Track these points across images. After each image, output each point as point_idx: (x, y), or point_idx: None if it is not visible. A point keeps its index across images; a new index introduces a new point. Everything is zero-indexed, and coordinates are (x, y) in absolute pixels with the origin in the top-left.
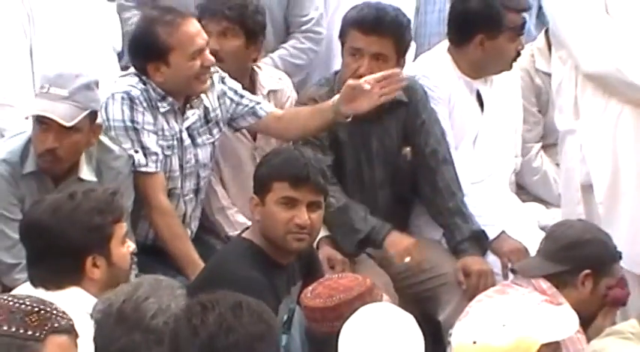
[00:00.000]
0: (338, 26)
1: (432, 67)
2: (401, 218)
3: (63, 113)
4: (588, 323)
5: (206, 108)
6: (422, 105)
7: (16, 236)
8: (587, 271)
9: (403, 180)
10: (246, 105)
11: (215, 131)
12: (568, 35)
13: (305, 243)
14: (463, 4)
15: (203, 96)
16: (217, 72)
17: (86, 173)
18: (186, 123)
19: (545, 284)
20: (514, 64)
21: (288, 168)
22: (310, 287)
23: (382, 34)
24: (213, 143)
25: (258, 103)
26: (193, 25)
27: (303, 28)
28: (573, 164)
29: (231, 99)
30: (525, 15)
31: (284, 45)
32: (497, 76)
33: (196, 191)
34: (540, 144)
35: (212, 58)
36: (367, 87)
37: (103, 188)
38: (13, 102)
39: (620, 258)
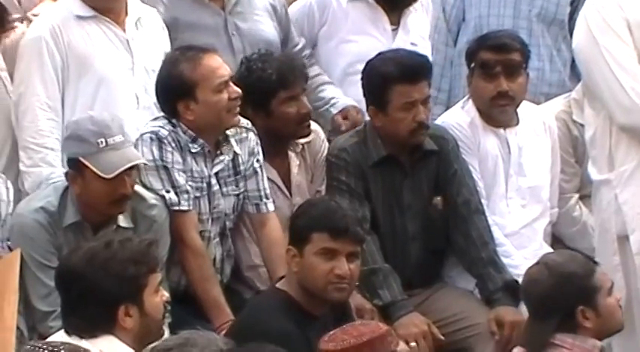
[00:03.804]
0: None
1: (462, 117)
2: (433, 269)
3: (137, 155)
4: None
5: (236, 158)
6: (453, 155)
7: (52, 284)
8: (579, 307)
9: (435, 231)
10: (258, 191)
11: (242, 184)
12: (601, 86)
13: (346, 293)
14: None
15: (234, 144)
16: (252, 130)
17: (124, 221)
18: (215, 169)
19: (567, 339)
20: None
21: (327, 219)
22: (331, 332)
23: (427, 77)
24: (237, 195)
25: (267, 198)
26: (215, 59)
27: (302, 54)
28: (608, 215)
29: (255, 171)
30: (513, 55)
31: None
32: (527, 125)
33: (222, 235)
34: (578, 194)
35: (238, 90)
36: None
37: (140, 238)
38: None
39: (595, 263)
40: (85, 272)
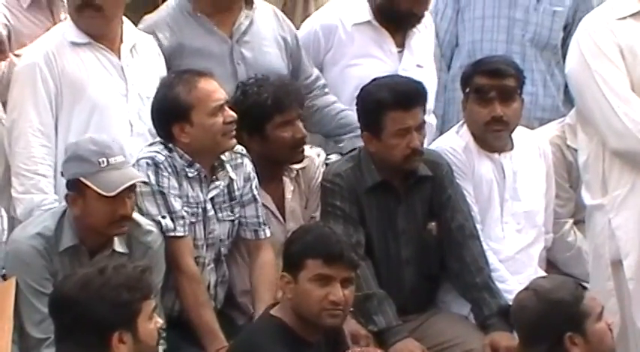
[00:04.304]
0: None
1: (456, 142)
2: (427, 294)
3: (137, 174)
4: None
5: (231, 183)
6: (447, 180)
7: (47, 310)
8: (567, 334)
9: (429, 256)
10: (257, 217)
11: (236, 210)
12: (594, 111)
13: (339, 320)
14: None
15: (230, 170)
16: (247, 156)
17: (119, 246)
18: (211, 194)
19: None
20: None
21: (321, 245)
22: None
23: (422, 103)
24: (232, 221)
25: (264, 224)
26: (211, 83)
27: (317, 85)
28: (602, 240)
29: (254, 198)
30: (507, 80)
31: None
32: (521, 150)
33: (217, 261)
34: (572, 220)
35: (234, 114)
36: None
37: (134, 264)
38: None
39: (585, 288)
40: (78, 299)
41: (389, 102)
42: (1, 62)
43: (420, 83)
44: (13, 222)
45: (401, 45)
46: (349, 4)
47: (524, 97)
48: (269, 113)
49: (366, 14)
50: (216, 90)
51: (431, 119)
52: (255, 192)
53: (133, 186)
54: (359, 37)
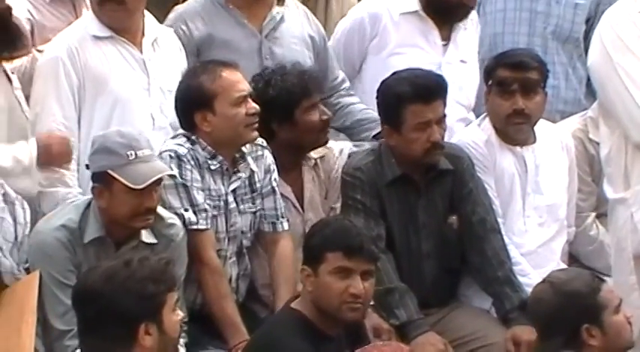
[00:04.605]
0: None
1: (478, 135)
2: (449, 287)
3: (165, 167)
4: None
5: (252, 175)
6: (468, 174)
7: (70, 302)
8: (584, 326)
9: (450, 250)
10: (275, 210)
11: (258, 201)
12: (616, 104)
13: (360, 313)
14: None
15: (251, 162)
16: (267, 148)
17: (147, 236)
18: (232, 186)
19: None
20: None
21: (341, 238)
22: None
23: (442, 96)
24: (254, 213)
25: (283, 216)
26: (235, 73)
27: (342, 86)
28: (624, 234)
29: (273, 190)
30: (530, 73)
31: (345, 103)
32: (544, 144)
33: (238, 254)
34: (594, 213)
35: (257, 106)
36: None
37: (158, 257)
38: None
39: (602, 280)
40: (104, 291)
41: (409, 95)
42: (24, 57)
43: (440, 76)
44: (36, 216)
45: (447, 38)
46: None
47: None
48: (296, 99)
49: (414, 4)
50: (240, 80)
51: (470, 116)
52: (275, 185)
53: (160, 178)
54: (405, 27)
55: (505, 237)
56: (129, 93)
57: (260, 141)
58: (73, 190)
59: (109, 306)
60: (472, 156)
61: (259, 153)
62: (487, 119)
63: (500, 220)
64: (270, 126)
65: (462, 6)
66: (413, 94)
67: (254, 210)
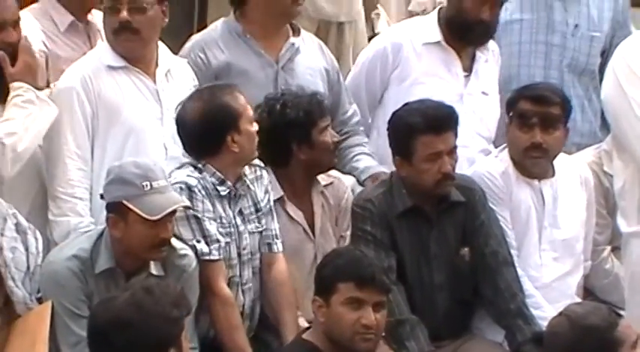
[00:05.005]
0: None
1: (494, 166)
2: (461, 319)
3: (180, 199)
4: None
5: (254, 195)
6: (480, 206)
7: (82, 332)
8: None
9: (462, 282)
10: (271, 230)
11: (263, 221)
12: (630, 138)
13: (372, 344)
14: None
15: (250, 183)
16: (266, 169)
17: (155, 268)
18: (238, 207)
19: None
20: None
21: (353, 268)
22: None
23: (453, 127)
24: (260, 232)
25: (278, 237)
26: (241, 93)
27: (352, 121)
28: (638, 267)
29: (270, 209)
30: (552, 108)
31: (344, 146)
32: (563, 178)
33: (253, 280)
34: (610, 246)
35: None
36: None
37: (172, 282)
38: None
39: (619, 315)
40: (133, 320)
41: (420, 126)
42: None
43: (451, 107)
44: (49, 245)
45: (468, 69)
46: (419, 24)
47: None
48: (314, 119)
49: (437, 34)
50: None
51: (491, 148)
52: (271, 205)
53: (175, 210)
54: (427, 57)
55: (520, 270)
56: (142, 123)
57: (257, 161)
58: (84, 219)
59: (139, 334)
60: (487, 187)
61: (258, 173)
62: (506, 151)
63: (514, 253)
64: (289, 147)
65: (481, 23)
66: (424, 125)
67: (260, 229)
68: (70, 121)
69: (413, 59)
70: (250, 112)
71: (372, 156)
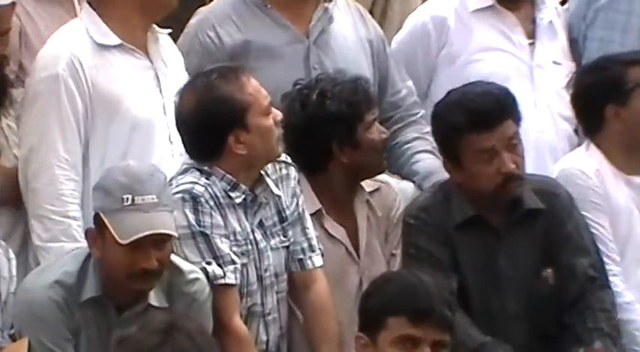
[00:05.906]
0: None
1: (587, 164)
2: None
3: (167, 223)
4: None
5: (278, 201)
6: (566, 214)
7: None
8: None
9: (545, 311)
10: (304, 241)
11: (290, 233)
12: None
13: None
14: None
15: (273, 186)
16: (293, 165)
17: (155, 299)
18: (257, 217)
19: None
20: None
21: (405, 299)
22: None
23: (506, 117)
24: (287, 247)
25: (313, 249)
26: (252, 77)
27: (406, 103)
28: None
29: (299, 216)
30: None
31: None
32: None
33: (278, 310)
34: None
35: (279, 112)
36: None
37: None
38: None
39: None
40: None
41: (463, 125)
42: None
43: (501, 92)
44: (25, 269)
45: (531, 35)
46: None
47: None
48: (359, 112)
49: None
50: (260, 83)
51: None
52: (301, 210)
53: (166, 236)
54: (480, 27)
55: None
56: (146, 113)
57: (283, 157)
58: (82, 246)
59: None
60: (580, 191)
61: (284, 172)
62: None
63: (618, 270)
64: (329, 149)
65: None
66: (468, 123)
67: (287, 243)
68: (57, 120)
69: (462, 32)
70: (264, 101)
71: (435, 155)
